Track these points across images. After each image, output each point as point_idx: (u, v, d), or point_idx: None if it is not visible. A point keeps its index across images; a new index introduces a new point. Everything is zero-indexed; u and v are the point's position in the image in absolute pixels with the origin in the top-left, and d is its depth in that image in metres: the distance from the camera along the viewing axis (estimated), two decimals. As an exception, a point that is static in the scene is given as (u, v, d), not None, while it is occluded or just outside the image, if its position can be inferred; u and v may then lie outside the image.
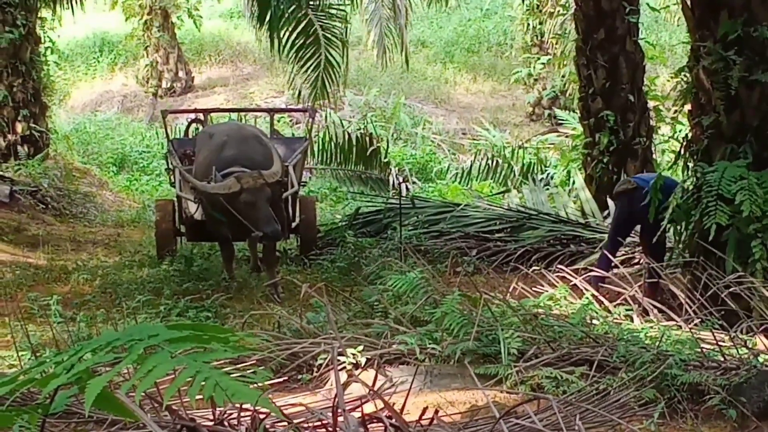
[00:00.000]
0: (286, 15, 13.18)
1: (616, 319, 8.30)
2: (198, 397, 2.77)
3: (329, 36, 13.97)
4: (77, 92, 29.39)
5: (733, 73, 8.43)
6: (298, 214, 11.67)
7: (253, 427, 4.80)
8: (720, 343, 6.88)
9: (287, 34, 13.80)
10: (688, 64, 8.98)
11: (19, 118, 17.21)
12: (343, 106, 25.74)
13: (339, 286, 9.89)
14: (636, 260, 10.52)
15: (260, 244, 10.56)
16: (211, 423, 4.91)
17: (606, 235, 11.39)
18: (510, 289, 9.04)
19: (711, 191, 8.30)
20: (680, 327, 7.71)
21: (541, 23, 26.56)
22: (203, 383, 2.67)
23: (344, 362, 6.49)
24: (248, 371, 6.40)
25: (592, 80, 13.55)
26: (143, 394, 2.72)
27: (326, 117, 22.05)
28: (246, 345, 6.42)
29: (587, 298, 8.46)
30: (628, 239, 10.63)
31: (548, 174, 17.74)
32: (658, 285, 9.56)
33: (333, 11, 14.15)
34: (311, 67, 14.14)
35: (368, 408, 5.25)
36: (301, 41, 13.86)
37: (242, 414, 4.95)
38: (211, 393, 2.65)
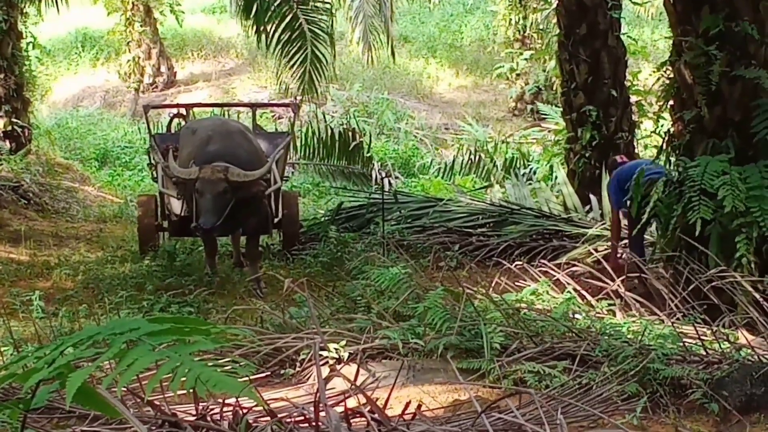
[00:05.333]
0: (272, 9, 13.16)
1: (599, 313, 8.32)
2: (181, 391, 2.77)
3: (315, 30, 13.95)
4: (59, 87, 29.29)
5: (714, 68, 8.45)
6: (280, 209, 11.66)
7: (235, 421, 4.79)
8: (702, 337, 6.90)
9: (273, 28, 13.77)
10: (670, 59, 8.99)
11: (1, 114, 17.12)
12: (325, 101, 25.70)
13: (322, 281, 9.88)
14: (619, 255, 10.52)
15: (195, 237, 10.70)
16: (193, 418, 4.89)
17: (587, 230, 11.42)
18: (492, 284, 9.06)
19: (694, 186, 8.31)
20: (662, 321, 7.72)
21: (523, 18, 26.57)
22: (184, 376, 2.65)
23: (327, 357, 6.48)
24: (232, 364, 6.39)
25: (575, 75, 13.55)
26: (125, 389, 2.70)
27: (310, 112, 21.99)
28: (227, 337, 6.42)
29: (569, 292, 8.48)
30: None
31: (531, 169, 17.75)
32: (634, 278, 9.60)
33: (318, 5, 14.12)
34: (298, 62, 14.11)
35: (351, 403, 5.25)
36: (287, 36, 13.84)
37: (224, 409, 4.94)
38: (192, 384, 2.64)
